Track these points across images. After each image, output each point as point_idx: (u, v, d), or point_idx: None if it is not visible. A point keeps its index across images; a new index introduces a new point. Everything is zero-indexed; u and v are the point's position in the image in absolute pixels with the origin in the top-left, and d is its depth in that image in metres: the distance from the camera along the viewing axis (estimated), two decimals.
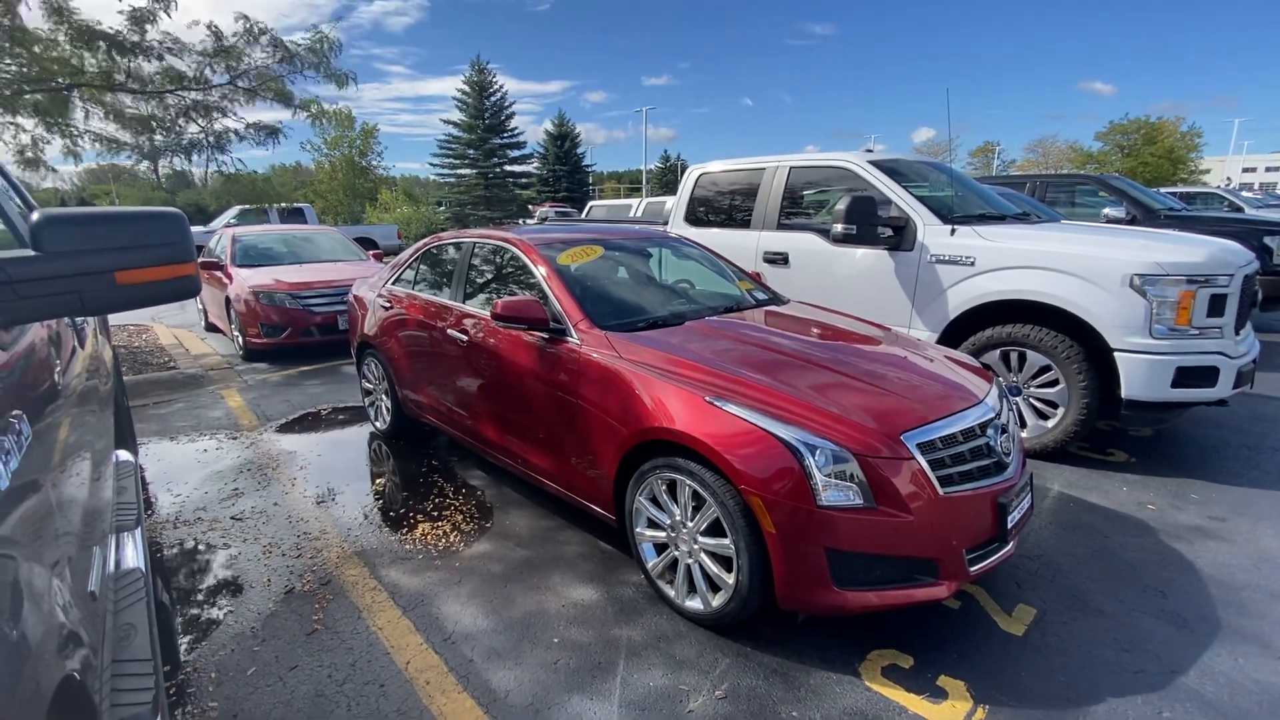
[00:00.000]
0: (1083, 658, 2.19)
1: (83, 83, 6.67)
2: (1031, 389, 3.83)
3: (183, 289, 1.32)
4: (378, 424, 4.50)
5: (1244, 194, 18.06)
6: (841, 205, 4.22)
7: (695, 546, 2.35)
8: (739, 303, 3.51)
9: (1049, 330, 3.69)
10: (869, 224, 4.22)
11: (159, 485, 3.72)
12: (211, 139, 7.70)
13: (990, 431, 2.34)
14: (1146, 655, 2.19)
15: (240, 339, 6.80)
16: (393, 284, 4.28)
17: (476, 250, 3.74)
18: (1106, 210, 7.55)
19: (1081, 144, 43.62)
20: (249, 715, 1.99)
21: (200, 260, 7.81)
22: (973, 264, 3.92)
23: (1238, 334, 3.63)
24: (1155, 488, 3.47)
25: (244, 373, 6.31)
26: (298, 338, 6.57)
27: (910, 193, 4.34)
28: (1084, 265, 3.56)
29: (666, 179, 60.54)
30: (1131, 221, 7.16)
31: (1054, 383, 3.72)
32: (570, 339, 2.83)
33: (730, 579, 2.23)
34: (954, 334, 4.06)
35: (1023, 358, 3.82)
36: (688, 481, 2.29)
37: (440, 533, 3.12)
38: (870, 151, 4.90)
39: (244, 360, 6.78)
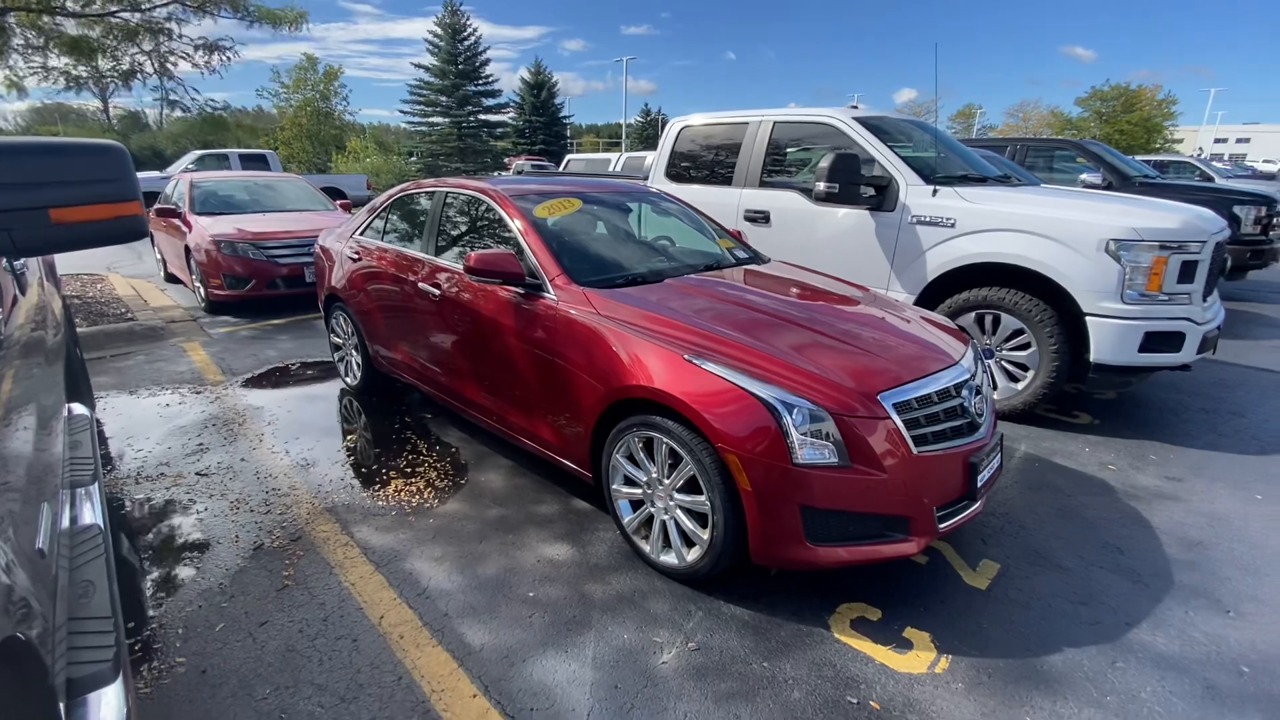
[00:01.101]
0: (1042, 610, 2.27)
1: (18, 6, 6.17)
2: (1004, 352, 3.88)
3: (126, 230, 1.23)
4: (348, 380, 4.40)
5: (1215, 164, 18.34)
6: (825, 163, 4.15)
7: (671, 503, 2.35)
8: (719, 261, 3.46)
9: (1024, 294, 3.72)
10: (852, 182, 4.16)
11: (119, 440, 3.60)
12: (157, 64, 7.24)
13: (965, 392, 2.36)
14: (1103, 608, 2.28)
15: (202, 290, 6.55)
16: (361, 235, 4.13)
17: (449, 200, 3.60)
18: (1084, 176, 7.60)
19: (1062, 109, 43.79)
20: (218, 670, 1.97)
21: (156, 207, 7.44)
22: (953, 225, 3.91)
23: (1205, 300, 3.70)
24: (1117, 449, 3.57)
25: (208, 325, 6.10)
26: (263, 290, 6.35)
27: (894, 152, 4.28)
28: (1062, 229, 3.57)
29: (647, 134, 59.23)
30: (1108, 187, 7.21)
31: (1025, 346, 3.77)
32: (547, 295, 2.76)
33: (705, 535, 2.24)
34: (931, 296, 4.07)
35: (997, 321, 3.86)
36: (665, 439, 2.28)
37: (414, 490, 3.08)
38: (855, 108, 4.80)
39: (207, 313, 6.55)
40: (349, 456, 3.46)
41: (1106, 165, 7.75)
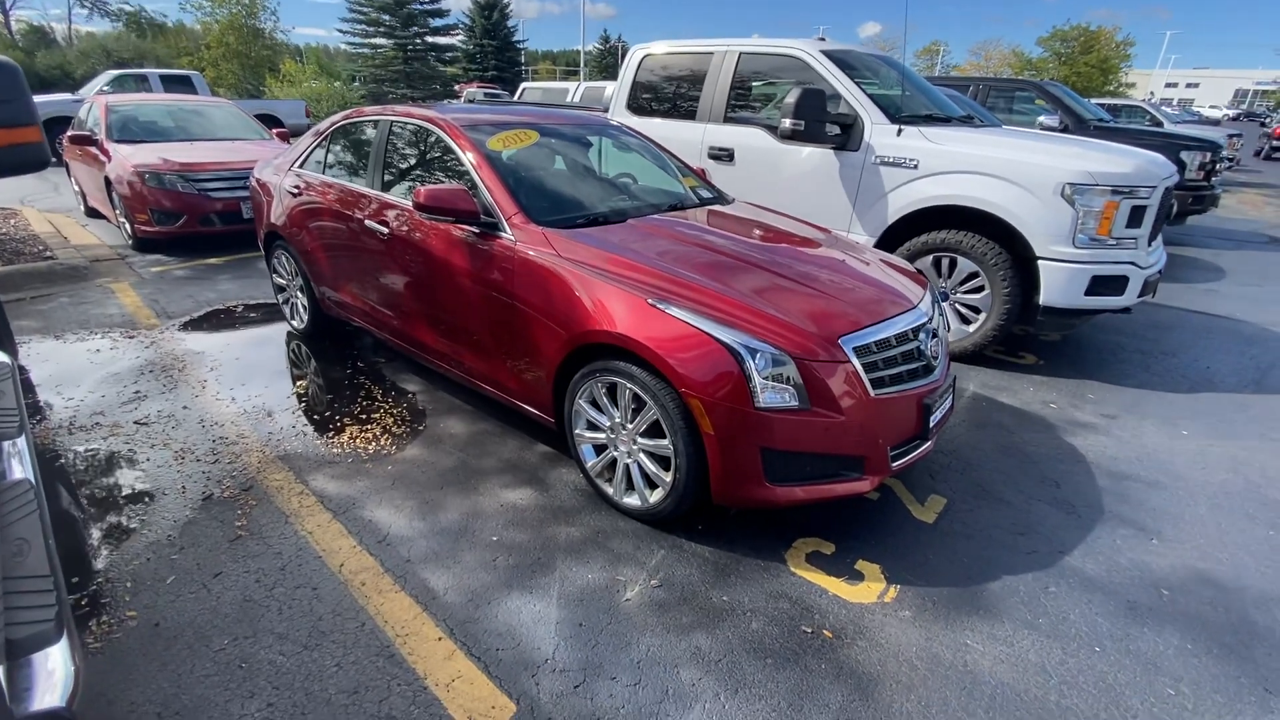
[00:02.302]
0: (984, 541, 2.40)
1: None
2: (958, 295, 3.96)
3: (24, 159, 1.10)
4: (294, 323, 4.21)
5: (1165, 109, 18.69)
6: (791, 98, 4.03)
7: (634, 447, 2.36)
8: (683, 201, 3.37)
9: (980, 237, 3.76)
10: (817, 120, 4.07)
11: (47, 389, 3.39)
12: None
13: (921, 336, 2.39)
14: (1038, 538, 2.43)
15: (128, 227, 6.08)
16: (300, 167, 3.86)
17: (396, 130, 3.37)
18: (1041, 118, 7.65)
19: (1023, 49, 43.65)
20: (173, 623, 1.93)
21: (70, 134, 6.79)
22: (915, 167, 3.89)
23: (1150, 245, 3.82)
24: (1058, 388, 3.74)
25: (137, 265, 5.71)
26: (196, 227, 5.93)
27: (861, 88, 4.19)
28: (1021, 172, 3.59)
29: (606, 62, 56.68)
30: (1064, 130, 7.28)
31: (979, 289, 3.85)
32: (503, 234, 2.64)
33: (668, 477, 2.27)
34: (891, 238, 4.09)
35: (953, 264, 3.91)
36: (628, 384, 2.26)
37: (370, 436, 3.01)
38: (823, 40, 4.65)
39: (135, 251, 6.12)
40: (300, 403, 3.34)
41: (1064, 108, 7.81)
